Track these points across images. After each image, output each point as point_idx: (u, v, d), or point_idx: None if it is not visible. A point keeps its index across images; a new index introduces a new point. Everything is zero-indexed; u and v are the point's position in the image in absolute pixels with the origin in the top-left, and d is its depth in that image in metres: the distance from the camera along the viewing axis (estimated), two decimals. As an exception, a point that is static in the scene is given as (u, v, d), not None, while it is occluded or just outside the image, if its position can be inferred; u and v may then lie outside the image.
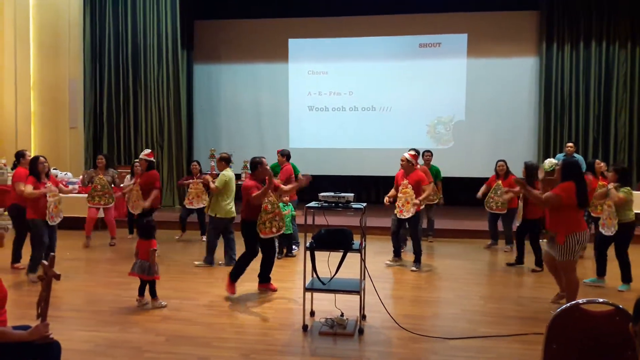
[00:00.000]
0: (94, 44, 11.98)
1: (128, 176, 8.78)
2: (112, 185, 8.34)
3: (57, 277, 3.02)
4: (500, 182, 7.94)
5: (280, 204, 7.47)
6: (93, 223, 8.32)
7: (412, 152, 7.23)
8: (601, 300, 2.88)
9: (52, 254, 3.09)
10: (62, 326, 4.50)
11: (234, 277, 5.59)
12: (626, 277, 5.98)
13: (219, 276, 6.46)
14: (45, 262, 3.04)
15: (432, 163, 8.99)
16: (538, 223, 6.86)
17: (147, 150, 7.83)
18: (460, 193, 11.74)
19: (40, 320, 2.93)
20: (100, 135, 12.11)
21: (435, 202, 8.66)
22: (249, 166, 5.82)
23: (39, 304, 2.98)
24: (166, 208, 11.49)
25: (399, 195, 6.86)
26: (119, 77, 12.05)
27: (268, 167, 5.95)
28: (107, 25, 11.96)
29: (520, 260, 7.14)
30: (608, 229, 5.99)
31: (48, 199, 6.04)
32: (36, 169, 6.09)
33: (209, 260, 7.04)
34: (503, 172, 8.01)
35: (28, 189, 5.99)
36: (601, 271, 6.15)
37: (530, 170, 6.98)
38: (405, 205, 6.77)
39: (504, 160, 8.14)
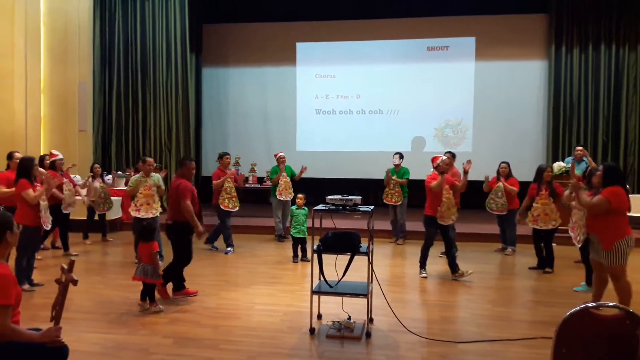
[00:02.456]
0: (104, 48, 12.07)
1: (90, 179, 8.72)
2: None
3: (75, 282, 3.03)
4: (501, 183, 8.01)
5: (293, 207, 7.55)
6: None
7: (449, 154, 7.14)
8: (611, 304, 2.85)
9: (72, 259, 3.10)
10: (71, 328, 4.52)
11: (179, 286, 5.65)
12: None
13: (227, 279, 6.48)
14: (65, 266, 3.05)
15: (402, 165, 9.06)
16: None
17: (55, 152, 7.92)
18: (468, 196, 11.69)
19: (54, 323, 2.94)
20: (109, 138, 12.19)
21: (399, 203, 8.81)
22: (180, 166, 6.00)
23: (54, 307, 3.00)
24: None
25: (444, 200, 6.56)
26: (128, 81, 12.13)
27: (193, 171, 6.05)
28: (117, 30, 12.05)
29: (541, 264, 7.11)
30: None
31: (41, 202, 5.83)
32: (30, 171, 5.85)
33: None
34: (505, 174, 8.09)
35: (31, 194, 5.73)
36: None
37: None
38: (447, 212, 6.53)
39: (507, 162, 8.22)
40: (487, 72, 12.22)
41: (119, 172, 9.75)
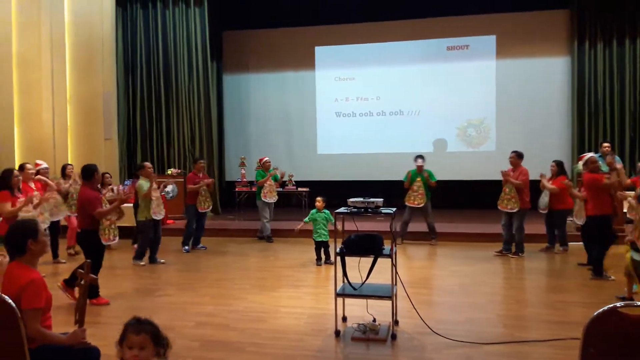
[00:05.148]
0: (127, 58, 12.31)
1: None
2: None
3: (95, 281, 3.11)
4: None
5: (314, 211, 7.58)
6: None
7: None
8: (639, 303, 2.81)
9: (87, 260, 3.18)
10: (102, 332, 4.63)
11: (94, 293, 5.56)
12: None
13: (254, 283, 6.54)
14: (81, 270, 3.13)
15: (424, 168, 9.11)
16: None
17: (39, 162, 7.98)
18: (493, 195, 11.56)
19: (78, 325, 3.02)
20: (134, 146, 12.41)
21: (422, 204, 8.87)
22: (82, 174, 5.93)
23: (76, 310, 3.07)
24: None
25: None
26: (151, 89, 12.35)
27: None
28: (139, 40, 12.28)
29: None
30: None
31: (20, 214, 5.92)
32: (9, 183, 5.95)
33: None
34: (554, 173, 8.04)
35: (7, 207, 5.79)
36: None
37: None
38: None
39: (555, 161, 8.17)
40: (508, 70, 12.10)
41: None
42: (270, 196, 9.39)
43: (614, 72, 11.29)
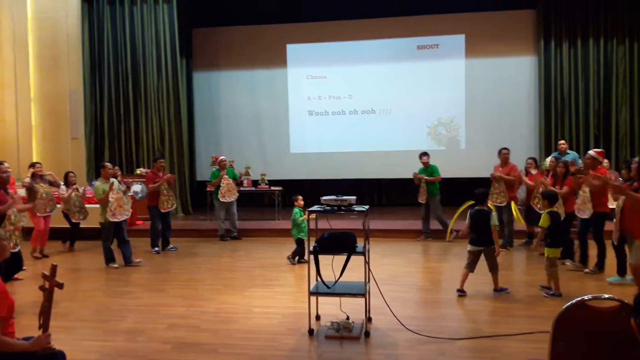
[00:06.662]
0: (93, 54, 12.01)
1: (63, 186, 8.62)
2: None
3: (60, 286, 3.01)
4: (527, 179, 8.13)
5: (296, 209, 7.41)
6: (47, 234, 8.12)
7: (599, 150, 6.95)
8: (606, 296, 2.87)
9: (53, 263, 3.08)
10: (69, 336, 4.51)
11: None
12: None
13: (225, 283, 6.47)
14: (46, 273, 3.03)
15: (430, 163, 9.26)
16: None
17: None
18: (463, 194, 11.71)
19: (42, 331, 2.93)
20: (102, 146, 12.13)
21: (424, 201, 9.04)
22: None
23: (40, 315, 2.98)
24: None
25: (580, 192, 6.68)
26: (119, 87, 12.08)
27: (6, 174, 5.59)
28: (106, 36, 12.00)
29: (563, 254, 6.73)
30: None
31: None
32: None
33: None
34: (531, 169, 8.25)
35: None
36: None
37: None
38: (583, 205, 6.61)
39: (533, 158, 8.45)
40: (477, 69, 12.27)
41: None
42: (229, 195, 9.26)
43: (578, 72, 11.58)
